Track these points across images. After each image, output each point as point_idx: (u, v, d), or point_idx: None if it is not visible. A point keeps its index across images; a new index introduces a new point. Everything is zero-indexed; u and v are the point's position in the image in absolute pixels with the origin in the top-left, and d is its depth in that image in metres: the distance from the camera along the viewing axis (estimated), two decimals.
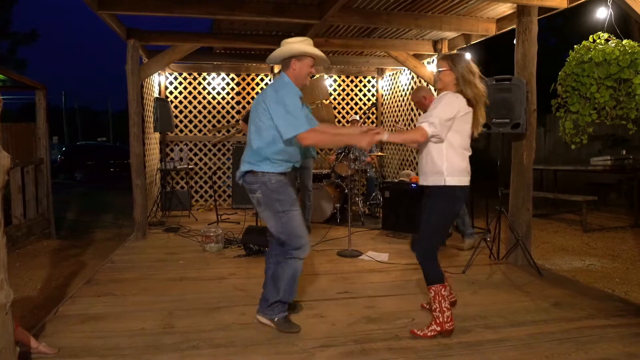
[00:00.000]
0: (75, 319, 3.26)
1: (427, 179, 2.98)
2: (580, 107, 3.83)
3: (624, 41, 3.73)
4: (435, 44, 6.44)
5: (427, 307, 3.33)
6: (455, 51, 2.97)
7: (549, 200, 8.35)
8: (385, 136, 2.85)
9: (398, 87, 8.07)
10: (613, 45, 3.70)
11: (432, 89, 5.73)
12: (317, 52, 2.96)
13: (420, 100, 5.29)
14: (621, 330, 3.06)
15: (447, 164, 2.89)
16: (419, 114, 7.03)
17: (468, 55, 3.03)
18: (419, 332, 2.96)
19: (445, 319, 2.93)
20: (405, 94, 7.69)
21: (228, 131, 8.48)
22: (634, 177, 7.63)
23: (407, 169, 7.45)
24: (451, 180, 2.89)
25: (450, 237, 5.79)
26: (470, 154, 3.00)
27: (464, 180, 2.94)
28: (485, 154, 12.75)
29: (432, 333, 2.93)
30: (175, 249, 5.35)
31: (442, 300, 2.92)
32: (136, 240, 5.80)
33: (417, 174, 6.82)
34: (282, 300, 3.04)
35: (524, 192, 4.59)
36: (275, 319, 3.05)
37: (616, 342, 2.88)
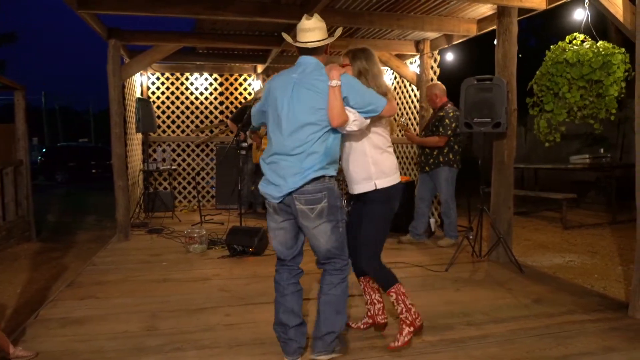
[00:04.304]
0: (57, 323, 3.22)
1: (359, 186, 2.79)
2: (554, 106, 3.92)
3: (599, 42, 3.82)
4: (418, 44, 6.49)
5: (362, 326, 3.09)
6: (363, 47, 2.91)
7: (529, 198, 8.47)
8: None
9: None
10: (587, 46, 3.78)
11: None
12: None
13: (432, 97, 5.35)
14: (600, 325, 3.13)
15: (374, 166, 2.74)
16: (401, 113, 7.08)
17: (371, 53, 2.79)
18: (397, 344, 2.78)
19: (414, 316, 2.82)
20: None
21: (211, 131, 8.43)
22: (612, 175, 7.79)
23: None
24: (382, 183, 2.74)
25: (434, 235, 5.86)
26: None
27: (394, 179, 2.80)
28: (467, 153, 12.88)
29: (409, 337, 2.81)
30: (158, 250, 5.30)
31: (405, 299, 2.81)
32: (119, 241, 5.73)
33: (409, 173, 6.88)
34: (340, 331, 2.68)
35: (505, 190, 4.65)
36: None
37: (595, 337, 2.95)
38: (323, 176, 2.49)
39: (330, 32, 2.69)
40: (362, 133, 2.70)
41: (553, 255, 5.44)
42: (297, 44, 2.58)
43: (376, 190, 2.73)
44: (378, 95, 2.62)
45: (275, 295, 2.69)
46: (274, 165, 2.54)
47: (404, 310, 2.80)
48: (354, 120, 2.52)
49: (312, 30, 2.55)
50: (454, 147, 5.18)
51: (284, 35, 2.70)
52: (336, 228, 2.56)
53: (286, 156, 2.50)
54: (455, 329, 3.09)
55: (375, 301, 3.01)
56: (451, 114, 5.11)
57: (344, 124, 2.48)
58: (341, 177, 2.76)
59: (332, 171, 2.55)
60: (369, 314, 3.07)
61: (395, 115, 7.16)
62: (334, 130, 2.53)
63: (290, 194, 2.48)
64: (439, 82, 5.70)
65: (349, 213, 2.93)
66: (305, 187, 2.46)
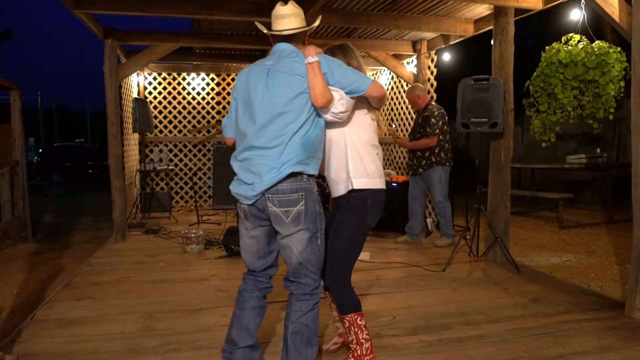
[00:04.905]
0: (53, 324, 3.21)
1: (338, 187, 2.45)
2: (548, 106, 3.94)
3: (595, 42, 3.83)
4: (415, 44, 6.49)
5: (332, 347, 2.79)
6: (340, 43, 2.81)
7: (526, 198, 8.49)
8: None
9: None
10: (581, 46, 3.80)
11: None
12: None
13: (414, 99, 5.34)
14: (596, 324, 3.14)
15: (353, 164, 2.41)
16: (398, 114, 7.09)
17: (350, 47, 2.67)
18: None
19: (365, 351, 2.44)
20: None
21: (208, 131, 8.42)
22: (608, 175, 7.82)
23: (388, 168, 7.50)
24: (359, 183, 2.39)
25: (431, 234, 5.87)
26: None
27: (376, 183, 2.44)
28: (464, 153, 12.92)
29: None
30: (155, 250, 5.30)
31: (359, 331, 2.43)
32: (115, 242, 5.72)
33: (405, 173, 6.87)
34: None
35: (502, 190, 4.66)
36: None
37: (592, 336, 2.96)
38: (301, 173, 2.19)
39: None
40: (344, 124, 2.39)
41: (550, 254, 5.45)
42: (272, 32, 2.34)
43: (352, 191, 2.38)
44: (362, 73, 2.38)
45: (235, 307, 2.44)
46: (247, 162, 2.22)
47: (354, 342, 2.45)
48: (340, 99, 2.24)
49: (287, 17, 2.33)
50: (445, 146, 5.17)
51: (257, 23, 2.44)
52: (314, 239, 2.23)
53: (261, 150, 2.18)
54: (452, 328, 3.09)
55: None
56: (436, 112, 5.11)
57: (328, 104, 2.19)
58: (325, 183, 2.49)
59: (311, 169, 2.24)
60: (339, 332, 2.77)
61: (388, 125, 7.20)
62: (315, 119, 2.24)
63: (264, 194, 2.18)
64: (418, 84, 5.71)
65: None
66: (280, 185, 2.15)
